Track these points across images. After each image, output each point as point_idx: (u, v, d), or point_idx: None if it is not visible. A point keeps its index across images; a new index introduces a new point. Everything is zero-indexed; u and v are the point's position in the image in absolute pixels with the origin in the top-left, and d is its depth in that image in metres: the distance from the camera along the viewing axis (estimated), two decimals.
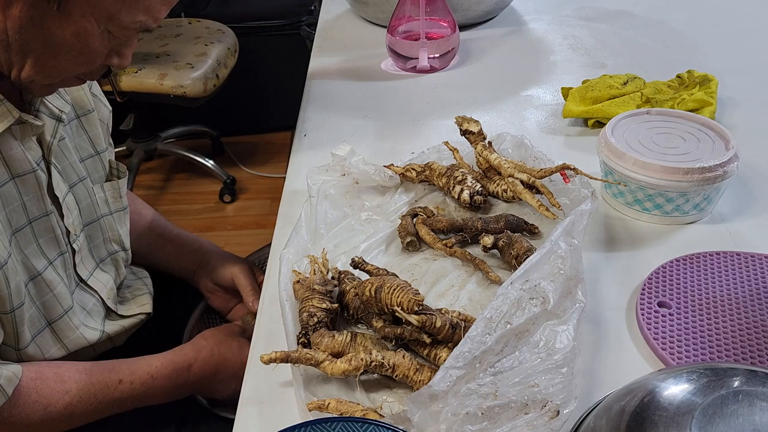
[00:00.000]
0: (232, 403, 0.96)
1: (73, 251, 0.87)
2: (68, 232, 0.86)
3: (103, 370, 0.85)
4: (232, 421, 0.65)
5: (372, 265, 0.75)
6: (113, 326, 0.94)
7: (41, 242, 0.82)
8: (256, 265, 1.13)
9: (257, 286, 1.05)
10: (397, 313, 0.65)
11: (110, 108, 0.98)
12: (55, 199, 0.83)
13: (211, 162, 2.63)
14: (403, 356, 0.64)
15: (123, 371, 0.86)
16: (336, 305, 0.71)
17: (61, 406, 0.81)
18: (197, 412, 0.97)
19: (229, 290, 1.08)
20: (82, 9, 0.67)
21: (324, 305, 0.69)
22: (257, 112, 2.90)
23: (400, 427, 0.54)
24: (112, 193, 0.95)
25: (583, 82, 1.12)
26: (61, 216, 0.84)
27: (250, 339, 0.77)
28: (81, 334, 0.87)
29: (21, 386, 0.78)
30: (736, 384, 0.49)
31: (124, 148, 2.58)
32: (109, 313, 0.95)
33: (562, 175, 0.82)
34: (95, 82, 0.95)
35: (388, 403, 0.64)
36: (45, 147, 0.82)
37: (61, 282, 0.84)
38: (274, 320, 0.74)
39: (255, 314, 1.02)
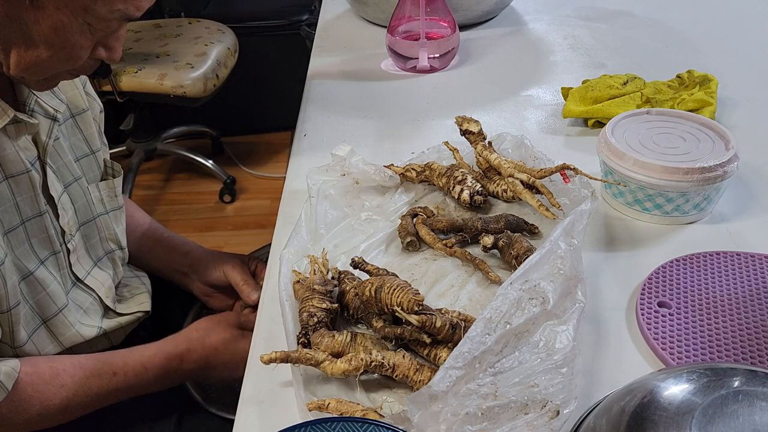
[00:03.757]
0: (228, 395, 0.96)
1: (68, 251, 0.87)
2: (63, 232, 0.85)
3: (97, 363, 0.85)
4: (232, 421, 0.65)
5: (372, 265, 0.75)
6: (111, 323, 0.94)
7: (33, 242, 0.81)
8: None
9: (251, 278, 1.03)
10: (397, 313, 0.65)
11: (102, 106, 0.97)
12: (50, 199, 0.83)
13: (211, 162, 2.63)
14: (403, 356, 0.64)
15: (117, 363, 0.86)
16: (336, 305, 0.71)
17: (58, 400, 0.81)
18: (196, 413, 0.97)
19: (224, 290, 1.07)
20: (55, 2, 0.65)
21: (324, 305, 0.69)
22: (257, 112, 2.90)
23: (400, 427, 0.54)
24: (108, 192, 0.94)
25: (583, 82, 1.12)
26: (57, 216, 0.84)
27: (250, 330, 0.77)
28: (77, 332, 0.87)
29: (17, 382, 0.78)
30: (736, 384, 0.49)
31: (124, 148, 2.58)
32: (107, 312, 0.95)
33: (562, 175, 0.82)
34: (88, 81, 0.95)
35: (388, 403, 0.64)
36: (41, 147, 0.81)
37: (55, 281, 0.84)
38: (274, 320, 0.74)
39: (248, 305, 1.02)
